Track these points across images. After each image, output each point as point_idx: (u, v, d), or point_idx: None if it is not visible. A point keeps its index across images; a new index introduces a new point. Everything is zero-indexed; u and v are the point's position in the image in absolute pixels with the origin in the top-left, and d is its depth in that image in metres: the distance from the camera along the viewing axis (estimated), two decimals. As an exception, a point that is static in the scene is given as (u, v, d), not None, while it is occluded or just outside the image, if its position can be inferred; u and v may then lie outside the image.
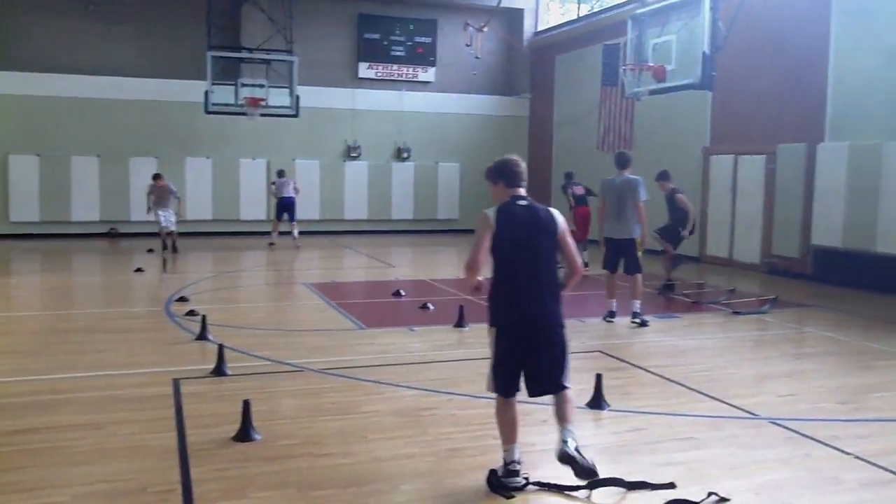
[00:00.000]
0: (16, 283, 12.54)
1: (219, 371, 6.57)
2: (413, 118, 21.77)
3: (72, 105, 18.97)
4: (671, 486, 4.25)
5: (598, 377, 5.87)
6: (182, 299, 10.30)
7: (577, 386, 6.26)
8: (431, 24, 22.07)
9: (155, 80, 19.46)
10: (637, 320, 9.06)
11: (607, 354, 7.59)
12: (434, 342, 8.08)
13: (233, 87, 17.61)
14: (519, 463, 4.29)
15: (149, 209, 16.15)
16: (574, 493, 4.21)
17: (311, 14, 20.71)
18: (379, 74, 21.73)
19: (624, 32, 13.62)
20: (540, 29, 22.45)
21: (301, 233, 18.14)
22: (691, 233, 11.97)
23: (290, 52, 17.96)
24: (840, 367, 7.25)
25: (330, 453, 4.79)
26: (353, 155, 21.24)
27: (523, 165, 4.49)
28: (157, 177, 16.28)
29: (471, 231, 22.01)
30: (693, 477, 4.45)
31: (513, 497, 4.15)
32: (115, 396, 5.93)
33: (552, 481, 4.30)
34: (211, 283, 12.39)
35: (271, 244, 17.64)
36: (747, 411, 5.78)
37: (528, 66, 22.64)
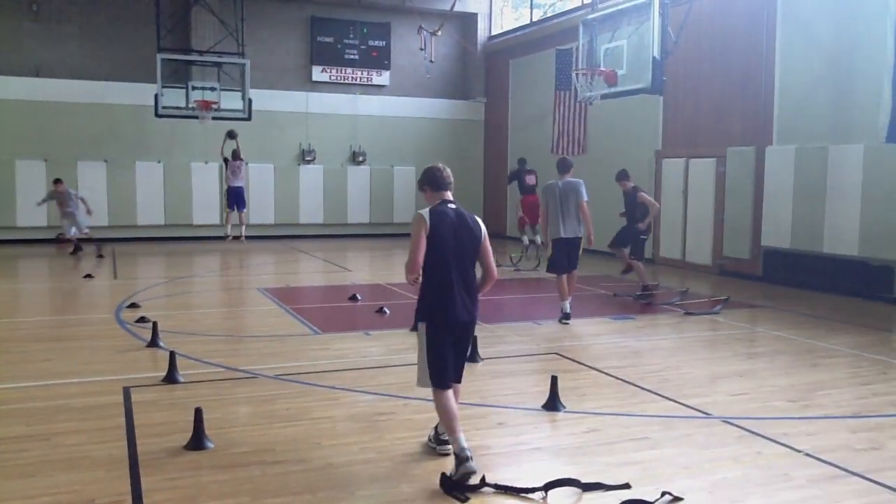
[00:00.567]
0: (-42, 291, 12.18)
1: (170, 378, 6.44)
2: (368, 122, 21.69)
3: (16, 108, 18.48)
4: (626, 486, 4.29)
5: (554, 379, 5.90)
6: (133, 306, 10.09)
7: (533, 388, 6.33)
8: (385, 27, 22.02)
9: (103, 82, 19.06)
10: (566, 321, 9.36)
11: (563, 356, 7.63)
12: (390, 346, 8.04)
13: (184, 90, 17.35)
14: (469, 450, 4.41)
15: (40, 202, 16.55)
16: (530, 496, 4.21)
17: (262, 17, 20.52)
18: (333, 78, 21.60)
19: (576, 37, 13.75)
20: (494, 33, 22.56)
21: (256, 237, 17.96)
22: (647, 232, 11.71)
23: (241, 54, 17.75)
24: (790, 365, 7.39)
25: (284, 460, 4.73)
26: (308, 159, 21.08)
27: (448, 172, 4.80)
28: (57, 181, 16.23)
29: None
30: (647, 477, 4.49)
31: (467, 500, 4.14)
32: (62, 406, 5.78)
33: (508, 483, 4.29)
34: (163, 289, 12.17)
35: (226, 236, 17.64)
36: (700, 411, 5.86)
37: (483, 71, 22.72)
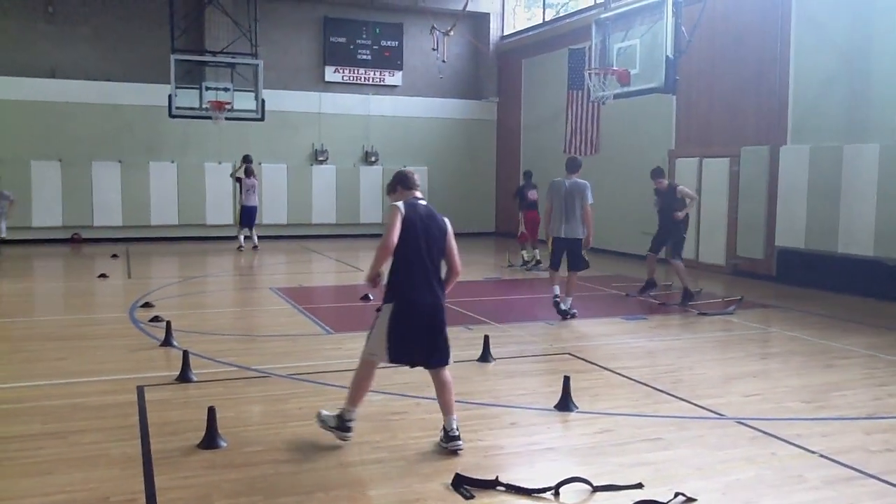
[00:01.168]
0: (-26, 291, 12.28)
1: (184, 377, 6.48)
2: (380, 122, 21.73)
3: (31, 109, 18.63)
4: (639, 486, 4.28)
5: (567, 379, 5.89)
6: (147, 305, 10.14)
7: (546, 388, 6.32)
8: (398, 27, 22.04)
9: (117, 83, 19.19)
10: (567, 315, 9.57)
11: (575, 357, 7.61)
12: (402, 346, 8.04)
13: (197, 91, 17.43)
14: (458, 435, 4.83)
15: None
16: (541, 495, 4.21)
17: (275, 17, 20.58)
18: (345, 78, 21.64)
19: (589, 37, 13.70)
20: (506, 33, 22.53)
21: (269, 237, 18.03)
22: (686, 227, 11.48)
23: (254, 55, 17.82)
24: (804, 366, 7.35)
25: (296, 459, 4.74)
26: (321, 159, 21.13)
27: (417, 176, 5.20)
28: None
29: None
30: (660, 477, 4.47)
31: (472, 497, 4.15)
32: (77, 405, 5.82)
33: (520, 483, 4.29)
34: (176, 288, 12.23)
35: (240, 248, 17.61)
36: (714, 411, 5.83)
37: (495, 70, 22.71)
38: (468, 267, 15.10)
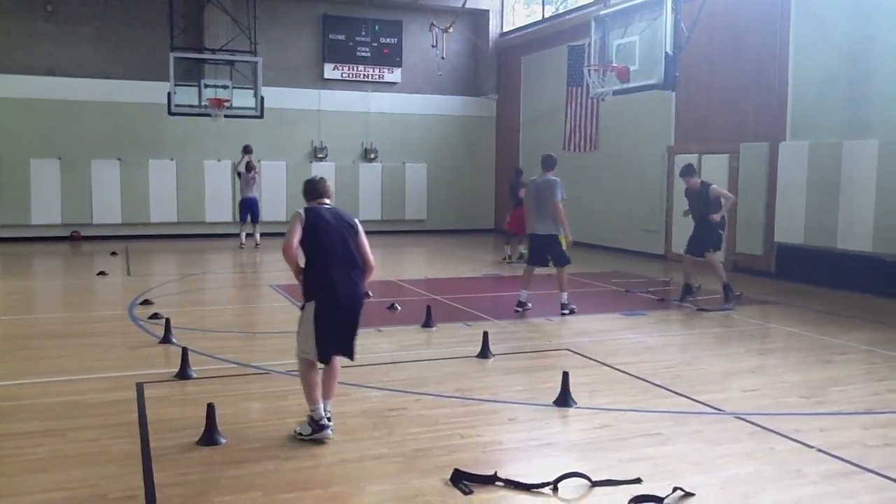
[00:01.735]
0: (-26, 289, 12.28)
1: (183, 374, 6.48)
2: (380, 119, 21.71)
3: (31, 107, 18.62)
4: (637, 481, 4.28)
5: (565, 375, 5.90)
6: (146, 302, 10.15)
7: (545, 384, 6.33)
8: (397, 24, 22.02)
9: (116, 81, 19.16)
10: (565, 311, 9.64)
11: (574, 352, 7.62)
12: (401, 342, 8.06)
13: (196, 89, 17.39)
14: (328, 418, 5.03)
15: None
16: (540, 491, 4.21)
17: (274, 15, 20.56)
18: (345, 75, 21.62)
19: (588, 33, 13.69)
20: (505, 30, 22.51)
21: (268, 234, 18.01)
22: (723, 225, 10.75)
23: (253, 52, 17.80)
24: (803, 362, 7.35)
25: (296, 456, 4.75)
26: (320, 156, 21.12)
27: (326, 183, 5.36)
28: None
29: (440, 231, 22.03)
30: (659, 472, 4.48)
31: (471, 493, 4.16)
32: (76, 402, 5.82)
33: (518, 479, 4.29)
34: (176, 285, 12.23)
35: (241, 245, 17.61)
36: (712, 407, 5.84)
37: (494, 67, 22.69)
38: (468, 263, 15.16)
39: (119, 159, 19.28)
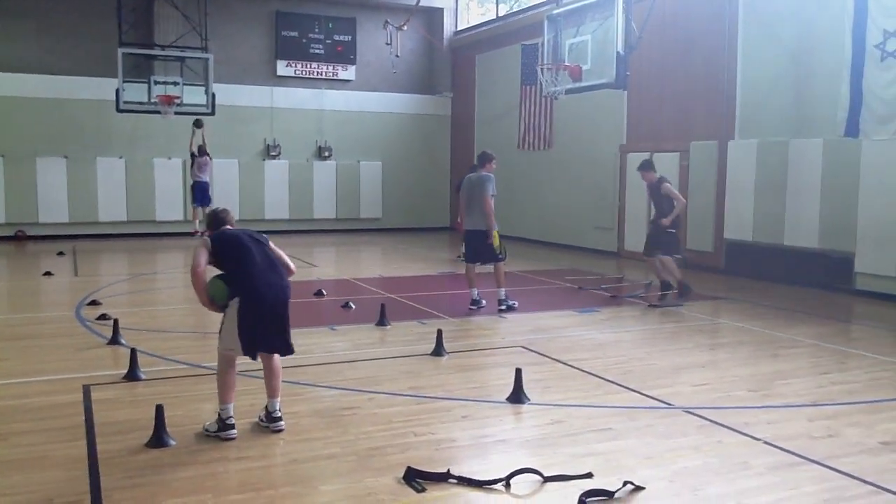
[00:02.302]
0: (-87, 290, 11.90)
1: (132, 376, 6.36)
2: (334, 117, 21.57)
3: (-27, 103, 18.12)
4: (589, 476, 4.32)
5: (518, 371, 5.93)
6: (94, 303, 9.95)
7: (498, 381, 6.35)
8: (351, 22, 21.90)
9: (62, 77, 18.70)
10: (503, 306, 9.71)
11: (528, 349, 7.66)
12: (356, 341, 8.02)
13: (146, 85, 17.07)
14: (279, 416, 5.14)
15: None
16: (493, 487, 4.23)
17: (226, 11, 20.28)
18: (298, 72, 21.43)
19: (541, 32, 13.77)
20: (460, 28, 22.55)
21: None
22: (675, 227, 10.62)
23: (205, 49, 17.53)
24: (751, 356, 7.50)
25: (246, 457, 4.69)
26: (273, 154, 20.90)
27: (230, 213, 5.62)
28: None
29: (395, 229, 21.91)
30: (610, 467, 4.53)
31: (424, 490, 4.16)
32: (18, 406, 5.67)
33: (471, 476, 4.30)
34: (125, 285, 12.00)
35: (195, 232, 17.44)
36: (662, 401, 5.92)
37: (449, 65, 22.70)
38: (423, 262, 15.15)
39: (65, 157, 18.84)
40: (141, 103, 16.89)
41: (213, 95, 17.19)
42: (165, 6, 18.72)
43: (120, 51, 16.56)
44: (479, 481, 4.26)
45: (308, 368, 6.81)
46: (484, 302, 9.89)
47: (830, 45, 11.34)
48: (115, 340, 7.63)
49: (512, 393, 5.85)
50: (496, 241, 9.76)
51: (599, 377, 6.62)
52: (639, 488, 4.19)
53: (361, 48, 22.01)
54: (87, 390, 6.02)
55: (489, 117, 20.86)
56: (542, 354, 7.45)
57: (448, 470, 4.32)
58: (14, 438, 4.96)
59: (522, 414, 5.62)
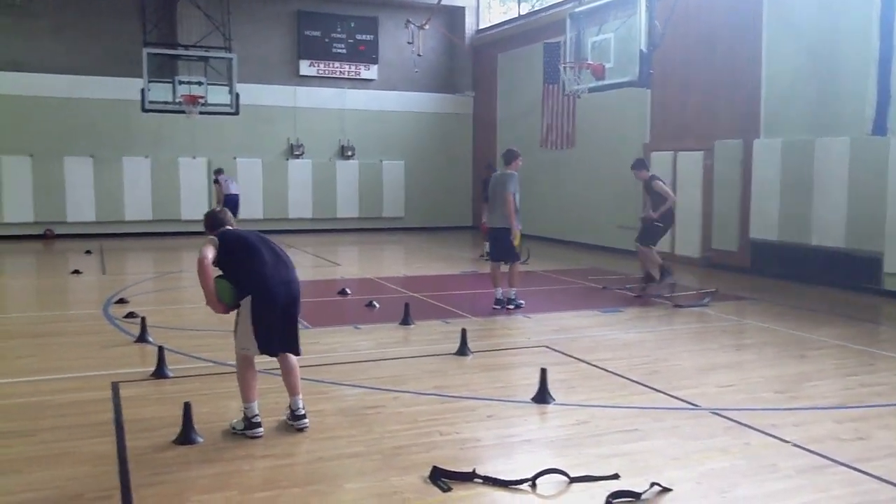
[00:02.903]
0: (-56, 288, 12.09)
1: (159, 373, 6.43)
2: (356, 116, 21.65)
3: (0, 103, 18.35)
4: (615, 477, 4.30)
5: (543, 371, 5.91)
6: (121, 301, 10.05)
7: (523, 381, 6.34)
8: (373, 21, 21.96)
9: (88, 77, 18.94)
10: (511, 306, 9.76)
11: (552, 349, 7.64)
12: (379, 340, 8.04)
13: (170, 85, 17.24)
14: (303, 413, 5.15)
15: None
16: (518, 487, 4.22)
17: (249, 11, 20.42)
18: (320, 72, 21.54)
19: (564, 31, 13.72)
20: (481, 27, 22.53)
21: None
22: (668, 223, 11.08)
23: (228, 49, 17.67)
24: (777, 357, 7.43)
25: (272, 454, 4.72)
26: (297, 153, 21.02)
27: (228, 213, 5.52)
28: None
29: (418, 228, 22.00)
30: (636, 468, 4.50)
31: (449, 490, 4.16)
32: (48, 402, 5.74)
33: (497, 475, 4.30)
34: (151, 284, 12.12)
35: None
36: (689, 402, 5.88)
37: (471, 64, 22.70)
38: (446, 261, 15.16)
39: (92, 156, 19.07)
40: (166, 103, 17.06)
41: (237, 95, 17.32)
42: (188, 6, 18.89)
43: (145, 51, 16.74)
44: (504, 481, 4.25)
45: (332, 367, 6.84)
46: (522, 302, 9.87)
47: (857, 39, 11.21)
48: (142, 338, 7.71)
49: (537, 393, 5.84)
50: (517, 241, 9.73)
51: (624, 377, 6.58)
52: (666, 490, 4.17)
53: (383, 47, 22.07)
54: (115, 388, 6.09)
55: (511, 116, 20.83)
56: (566, 354, 7.42)
57: (474, 469, 4.32)
58: (43, 434, 5.03)
59: (547, 414, 5.61)
